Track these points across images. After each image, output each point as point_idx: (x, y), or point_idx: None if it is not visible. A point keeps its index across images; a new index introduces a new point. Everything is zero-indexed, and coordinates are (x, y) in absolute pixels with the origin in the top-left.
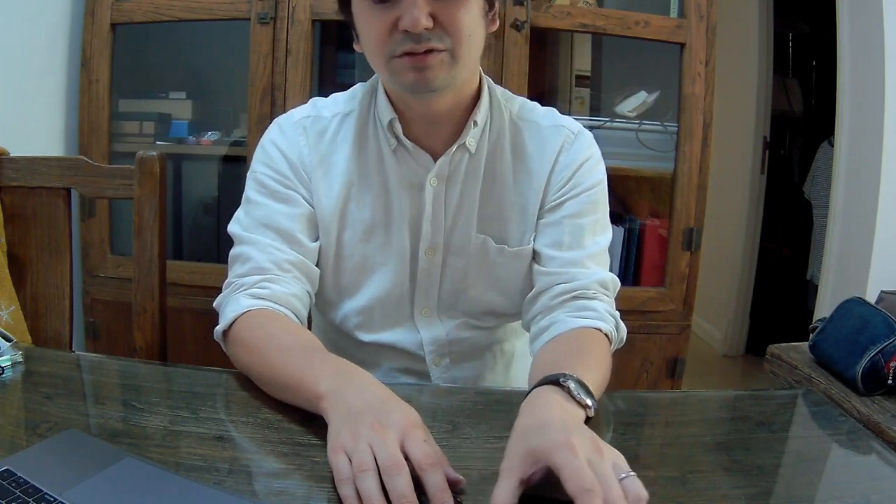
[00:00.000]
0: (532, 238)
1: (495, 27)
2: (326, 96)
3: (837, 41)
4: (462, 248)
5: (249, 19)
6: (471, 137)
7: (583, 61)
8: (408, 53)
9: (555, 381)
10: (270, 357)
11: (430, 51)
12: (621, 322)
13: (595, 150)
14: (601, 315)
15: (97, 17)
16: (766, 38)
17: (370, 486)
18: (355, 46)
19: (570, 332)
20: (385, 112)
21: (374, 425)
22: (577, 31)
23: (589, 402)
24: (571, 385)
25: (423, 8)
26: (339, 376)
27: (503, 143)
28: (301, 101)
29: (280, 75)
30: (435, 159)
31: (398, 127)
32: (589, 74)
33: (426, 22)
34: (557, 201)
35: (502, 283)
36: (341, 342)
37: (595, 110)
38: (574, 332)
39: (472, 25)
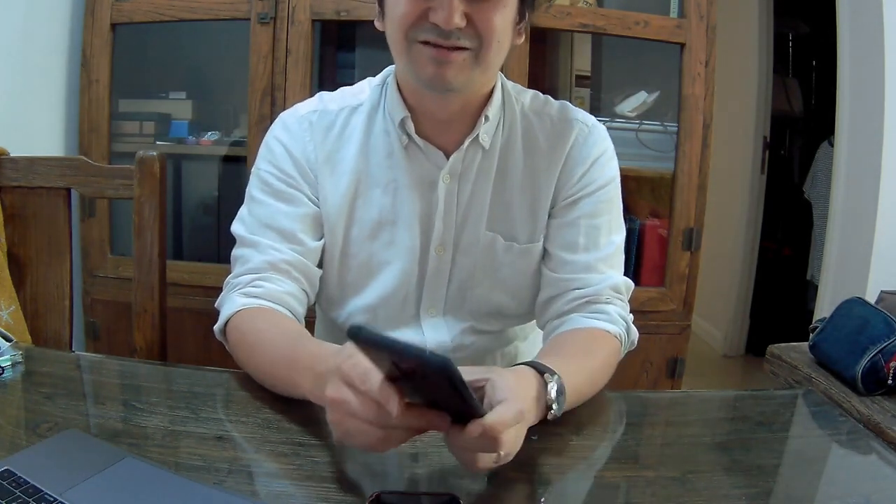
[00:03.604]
0: (542, 235)
1: (521, 40)
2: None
3: (837, 41)
4: (471, 246)
5: (249, 19)
6: (483, 133)
7: (583, 61)
8: (432, 43)
9: (541, 373)
10: (258, 354)
11: (455, 48)
12: (633, 326)
13: (609, 145)
14: (613, 318)
15: (97, 17)
16: (766, 38)
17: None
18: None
19: (579, 329)
20: (397, 110)
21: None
22: (576, 31)
23: (554, 409)
24: (553, 393)
25: (457, 7)
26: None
27: (515, 138)
28: (301, 101)
29: (280, 75)
30: (447, 156)
31: (410, 126)
32: (589, 74)
33: (459, 21)
34: (571, 199)
35: (508, 281)
36: (345, 342)
37: (595, 110)
38: (583, 331)
39: (503, 31)
